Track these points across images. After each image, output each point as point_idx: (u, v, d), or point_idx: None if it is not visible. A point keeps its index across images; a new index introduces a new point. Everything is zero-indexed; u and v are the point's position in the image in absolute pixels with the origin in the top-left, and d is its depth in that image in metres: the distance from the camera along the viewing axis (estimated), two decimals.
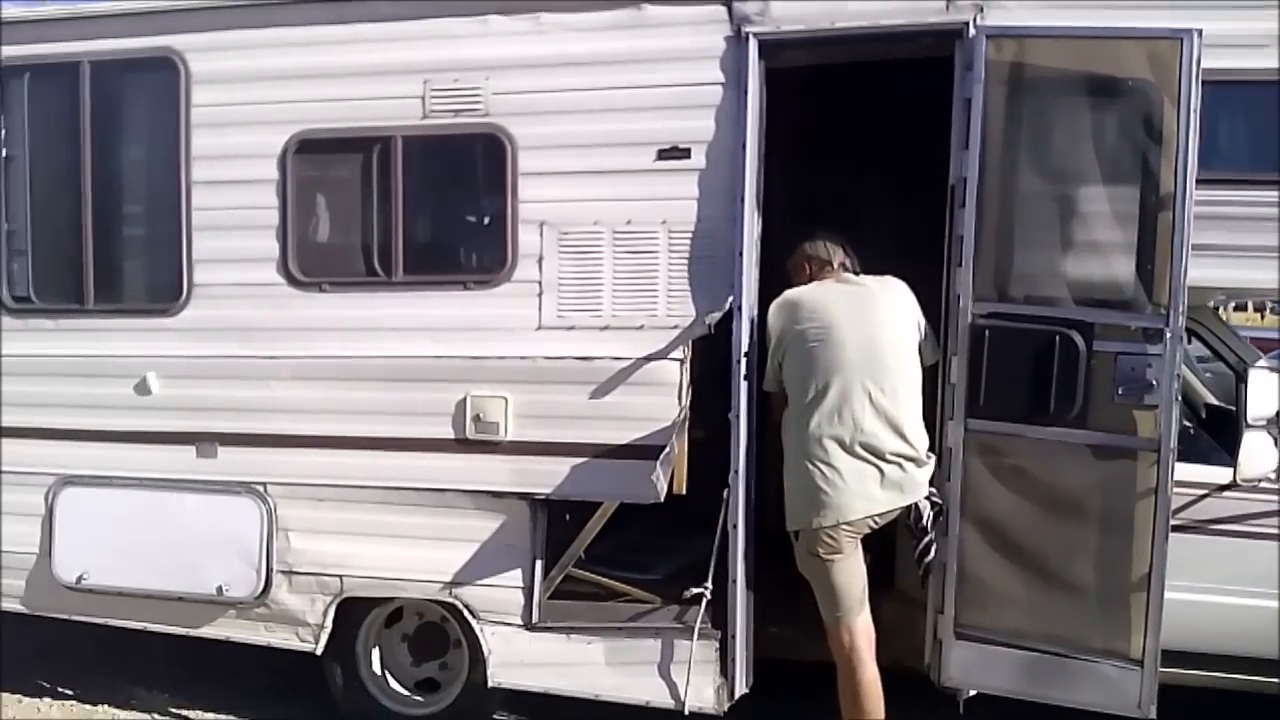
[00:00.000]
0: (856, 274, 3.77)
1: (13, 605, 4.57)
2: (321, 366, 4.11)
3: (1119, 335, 3.47)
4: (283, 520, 4.18)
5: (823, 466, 3.54)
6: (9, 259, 4.45)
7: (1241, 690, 3.80)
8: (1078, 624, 3.55)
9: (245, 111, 4.13)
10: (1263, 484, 3.68)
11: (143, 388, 4.26)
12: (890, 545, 3.96)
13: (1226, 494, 3.72)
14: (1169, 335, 3.36)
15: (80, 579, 4.34)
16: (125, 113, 4.39)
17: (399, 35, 3.99)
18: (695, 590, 3.82)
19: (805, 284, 3.76)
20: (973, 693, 3.72)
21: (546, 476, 3.92)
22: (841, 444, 3.53)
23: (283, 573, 4.19)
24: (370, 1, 4.02)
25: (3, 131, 4.40)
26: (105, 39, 4.24)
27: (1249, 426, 3.58)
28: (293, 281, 4.13)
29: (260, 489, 4.19)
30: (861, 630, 3.63)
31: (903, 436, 3.56)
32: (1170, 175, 3.33)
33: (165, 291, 4.28)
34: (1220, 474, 3.74)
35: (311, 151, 4.11)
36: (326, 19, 4.05)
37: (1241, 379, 3.83)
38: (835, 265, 3.77)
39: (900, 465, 3.56)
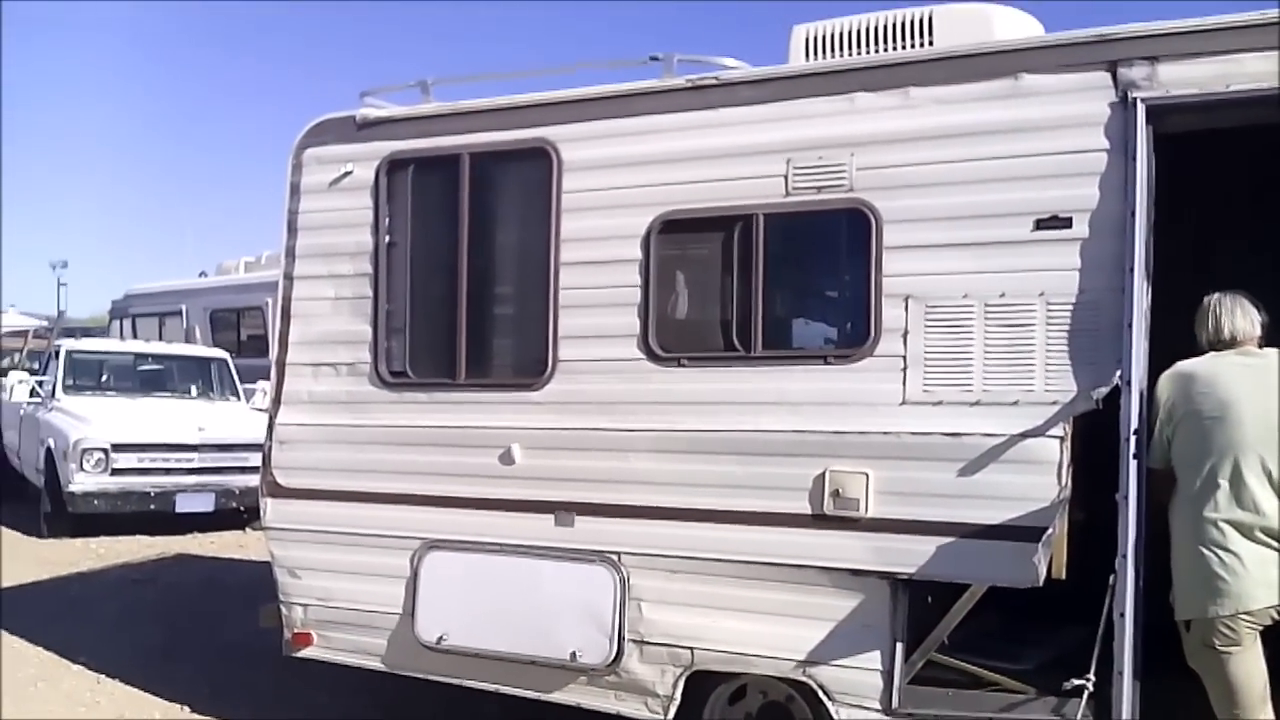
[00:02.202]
0: (1262, 345, 3.53)
1: (372, 663, 4.81)
2: (679, 440, 4.17)
3: None
4: (635, 590, 4.23)
5: (1220, 552, 3.35)
6: (387, 337, 4.78)
7: None
8: None
9: (613, 195, 4.32)
10: None
11: (507, 458, 4.44)
12: None
13: None
14: None
15: (440, 639, 4.52)
16: (500, 200, 4.68)
17: (762, 117, 4.09)
18: (1077, 682, 3.59)
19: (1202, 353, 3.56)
20: None
21: (909, 556, 3.80)
22: (1241, 529, 3.34)
23: (634, 642, 4.23)
24: (733, 86, 4.17)
25: (387, 219, 4.77)
26: (484, 132, 4.57)
27: None
28: (652, 357, 4.23)
29: (614, 558, 4.26)
30: None
31: None
32: None
33: (531, 367, 4.48)
34: None
35: (674, 231, 4.24)
36: (690, 105, 4.22)
37: None
38: (1232, 335, 3.54)
39: None
